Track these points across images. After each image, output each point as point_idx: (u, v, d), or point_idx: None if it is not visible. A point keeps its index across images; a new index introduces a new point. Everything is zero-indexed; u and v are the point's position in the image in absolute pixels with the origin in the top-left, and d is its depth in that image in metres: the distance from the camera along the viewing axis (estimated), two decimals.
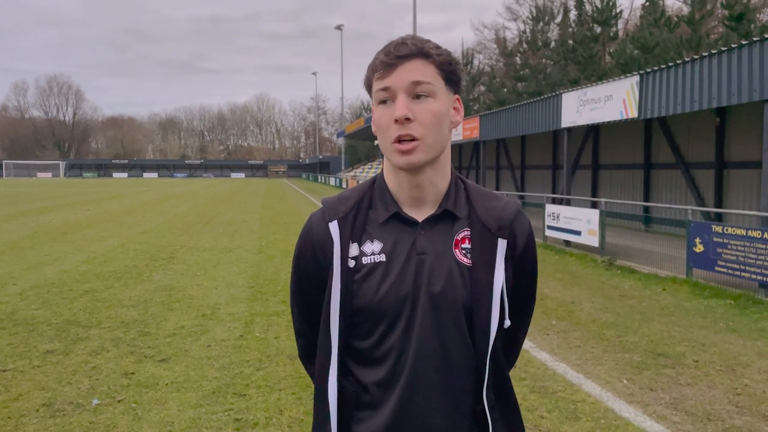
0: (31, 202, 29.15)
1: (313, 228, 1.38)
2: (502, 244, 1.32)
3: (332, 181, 57.64)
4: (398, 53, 1.25)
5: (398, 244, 1.31)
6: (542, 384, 4.92)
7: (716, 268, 8.90)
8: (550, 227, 14.07)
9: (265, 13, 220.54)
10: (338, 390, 1.32)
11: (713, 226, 9.14)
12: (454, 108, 1.34)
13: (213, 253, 12.10)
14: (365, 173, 58.12)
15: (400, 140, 1.25)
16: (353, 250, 1.32)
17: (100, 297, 8.01)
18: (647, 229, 16.48)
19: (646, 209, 17.13)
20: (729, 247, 8.65)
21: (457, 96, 1.35)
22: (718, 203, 14.65)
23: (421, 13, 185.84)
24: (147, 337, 6.15)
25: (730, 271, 8.64)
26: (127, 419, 4.17)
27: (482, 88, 52.17)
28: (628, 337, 6.34)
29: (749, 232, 8.35)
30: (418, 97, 1.26)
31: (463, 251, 1.32)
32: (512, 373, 4.90)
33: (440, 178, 1.34)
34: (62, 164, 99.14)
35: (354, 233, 1.33)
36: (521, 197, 24.26)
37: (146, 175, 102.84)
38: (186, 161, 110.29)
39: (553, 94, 15.91)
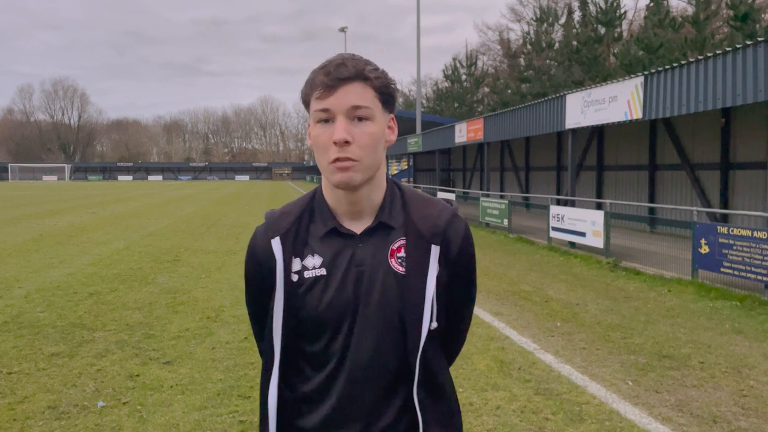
0: (36, 205, 29.27)
1: (258, 244, 1.45)
2: (435, 251, 1.38)
3: None
4: (339, 75, 1.29)
5: (338, 257, 1.38)
6: (547, 386, 4.91)
7: (722, 270, 8.87)
8: (554, 229, 14.04)
9: (265, 14, 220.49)
10: (278, 394, 1.41)
11: (718, 227, 9.10)
12: (389, 127, 1.39)
13: (218, 256, 12.12)
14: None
15: (338, 160, 1.30)
16: (296, 264, 1.39)
17: (105, 299, 8.04)
18: (652, 231, 16.44)
19: (651, 210, 17.08)
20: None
21: (392, 116, 1.40)
22: (724, 204, 14.60)
23: (422, 15, 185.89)
24: (152, 339, 6.17)
25: (735, 272, 8.60)
26: (132, 421, 4.18)
27: (486, 89, 52.16)
28: (633, 339, 6.32)
29: (755, 233, 8.31)
30: (356, 119, 1.30)
31: (399, 260, 1.37)
32: (517, 375, 4.88)
33: (376, 192, 1.40)
34: (67, 167, 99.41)
35: (296, 248, 1.40)
36: (525, 198, 24.25)
37: (151, 177, 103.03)
38: (190, 164, 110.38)
39: (557, 95, 15.88)
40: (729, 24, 24.48)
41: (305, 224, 1.42)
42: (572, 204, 14.82)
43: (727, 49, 9.78)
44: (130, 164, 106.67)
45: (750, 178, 14.06)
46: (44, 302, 7.85)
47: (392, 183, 1.45)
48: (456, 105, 52.64)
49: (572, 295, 8.65)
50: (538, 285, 9.41)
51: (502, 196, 21.05)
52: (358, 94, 1.29)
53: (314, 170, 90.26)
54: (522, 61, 43.31)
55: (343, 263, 1.36)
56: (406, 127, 40.10)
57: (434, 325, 1.38)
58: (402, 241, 1.38)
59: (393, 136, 1.41)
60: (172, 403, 4.49)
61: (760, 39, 9.05)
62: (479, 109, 49.36)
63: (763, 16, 26.87)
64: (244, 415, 4.28)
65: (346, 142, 1.28)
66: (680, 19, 29.37)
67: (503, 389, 4.80)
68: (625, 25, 37.91)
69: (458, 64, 54.45)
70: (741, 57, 9.37)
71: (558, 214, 13.91)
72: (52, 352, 5.71)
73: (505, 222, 16.92)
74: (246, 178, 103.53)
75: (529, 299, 8.33)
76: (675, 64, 11.19)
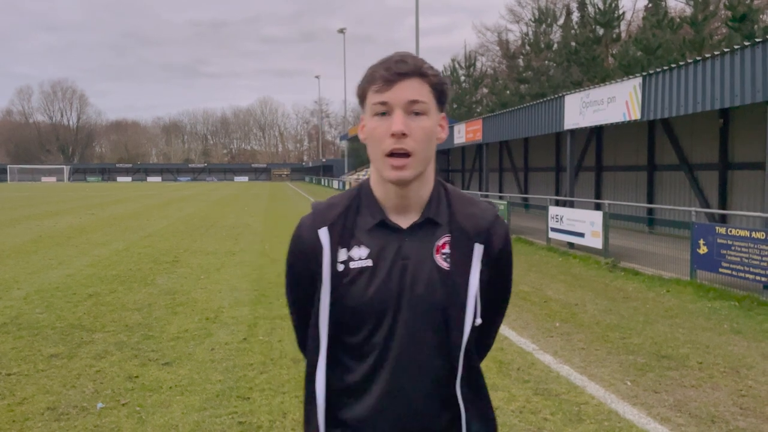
0: (35, 207, 29.25)
1: (304, 234, 1.48)
2: (478, 249, 1.42)
3: (335, 184, 57.67)
4: (398, 70, 1.34)
5: (384, 249, 1.41)
6: (546, 386, 4.92)
7: (720, 270, 8.88)
8: (553, 229, 14.05)
9: (264, 16, 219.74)
10: (326, 382, 1.43)
11: (717, 228, 9.12)
12: (440, 125, 1.44)
13: (217, 257, 12.12)
14: (368, 176, 58.07)
15: (392, 153, 1.34)
16: (342, 255, 1.42)
17: (104, 301, 8.04)
18: (651, 231, 16.46)
19: (650, 211, 17.10)
20: (733, 248, 8.63)
21: (443, 114, 1.45)
22: (722, 205, 14.62)
23: (421, 16, 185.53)
24: (151, 340, 6.17)
25: (734, 272, 8.61)
26: (132, 423, 4.18)
27: (485, 90, 52.17)
28: (631, 339, 6.33)
29: (753, 234, 8.32)
30: (413, 114, 1.35)
31: (443, 256, 1.42)
32: (516, 376, 4.88)
33: (424, 187, 1.45)
34: (66, 168, 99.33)
35: (343, 239, 1.43)
36: (524, 199, 24.26)
37: (150, 179, 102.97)
38: (189, 165, 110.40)
39: (556, 96, 15.91)
40: (727, 25, 24.51)
41: (352, 216, 1.45)
42: (571, 204, 14.84)
43: (726, 49, 9.81)
44: (129, 165, 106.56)
45: (748, 179, 14.08)
46: (43, 303, 7.84)
47: (438, 181, 1.50)
48: (455, 106, 52.65)
49: (571, 295, 8.66)
50: (537, 285, 9.42)
51: (501, 197, 21.07)
52: (415, 89, 1.34)
53: (313, 171, 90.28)
54: (521, 61, 43.33)
55: (390, 256, 1.40)
56: None
57: (478, 321, 1.42)
58: (447, 238, 1.42)
59: (444, 134, 1.45)
60: (171, 404, 4.49)
61: (758, 40, 9.07)
62: (478, 110, 49.37)
63: (761, 16, 26.91)
64: (244, 416, 4.28)
65: (403, 135, 1.33)
66: (678, 19, 29.41)
67: (502, 389, 4.81)
68: (623, 26, 37.94)
69: (457, 65, 54.46)
70: (739, 58, 9.40)
71: (557, 215, 13.92)
72: (51, 354, 5.71)
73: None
74: (245, 179, 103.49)
75: (528, 299, 8.34)
76: (673, 65, 11.22)
